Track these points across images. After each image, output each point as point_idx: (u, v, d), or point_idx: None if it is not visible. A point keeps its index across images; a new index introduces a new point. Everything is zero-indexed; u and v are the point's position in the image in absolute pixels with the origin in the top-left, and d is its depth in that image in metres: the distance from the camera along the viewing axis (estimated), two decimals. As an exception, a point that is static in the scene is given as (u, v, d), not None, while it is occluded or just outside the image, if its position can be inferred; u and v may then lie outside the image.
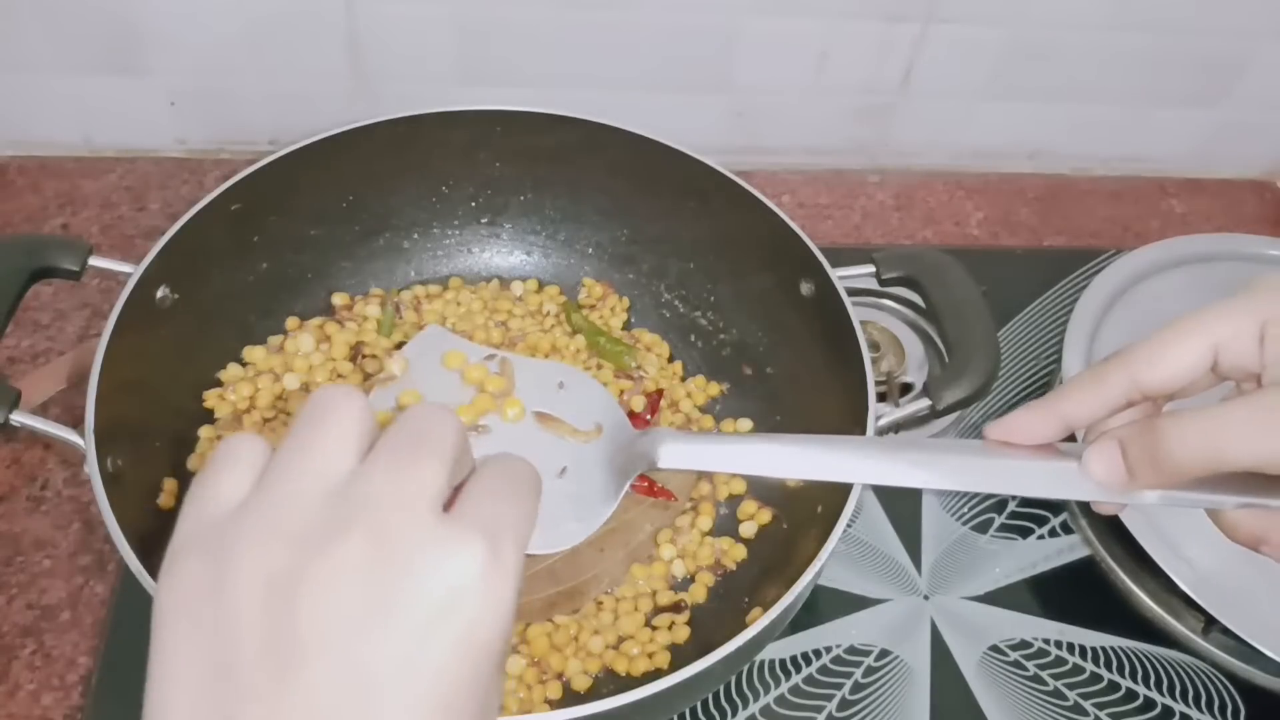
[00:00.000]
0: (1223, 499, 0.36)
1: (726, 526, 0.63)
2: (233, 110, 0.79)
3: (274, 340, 0.66)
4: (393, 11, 0.74)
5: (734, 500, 0.64)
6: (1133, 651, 0.63)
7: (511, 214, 0.71)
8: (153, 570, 0.45)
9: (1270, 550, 0.37)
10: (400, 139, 0.65)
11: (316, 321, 0.67)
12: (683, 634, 0.58)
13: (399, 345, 0.66)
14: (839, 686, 0.61)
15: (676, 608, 0.60)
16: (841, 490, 0.52)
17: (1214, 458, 0.33)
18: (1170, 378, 0.35)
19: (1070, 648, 0.63)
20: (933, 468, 0.38)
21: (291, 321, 0.67)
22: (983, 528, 0.68)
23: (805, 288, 0.62)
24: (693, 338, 0.71)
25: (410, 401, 0.41)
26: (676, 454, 0.40)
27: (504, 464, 0.31)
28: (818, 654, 0.62)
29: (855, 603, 0.64)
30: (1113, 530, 0.64)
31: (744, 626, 0.48)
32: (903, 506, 0.68)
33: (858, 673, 0.61)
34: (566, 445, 0.43)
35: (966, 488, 0.38)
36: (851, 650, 0.62)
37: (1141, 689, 0.62)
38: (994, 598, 0.65)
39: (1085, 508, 0.66)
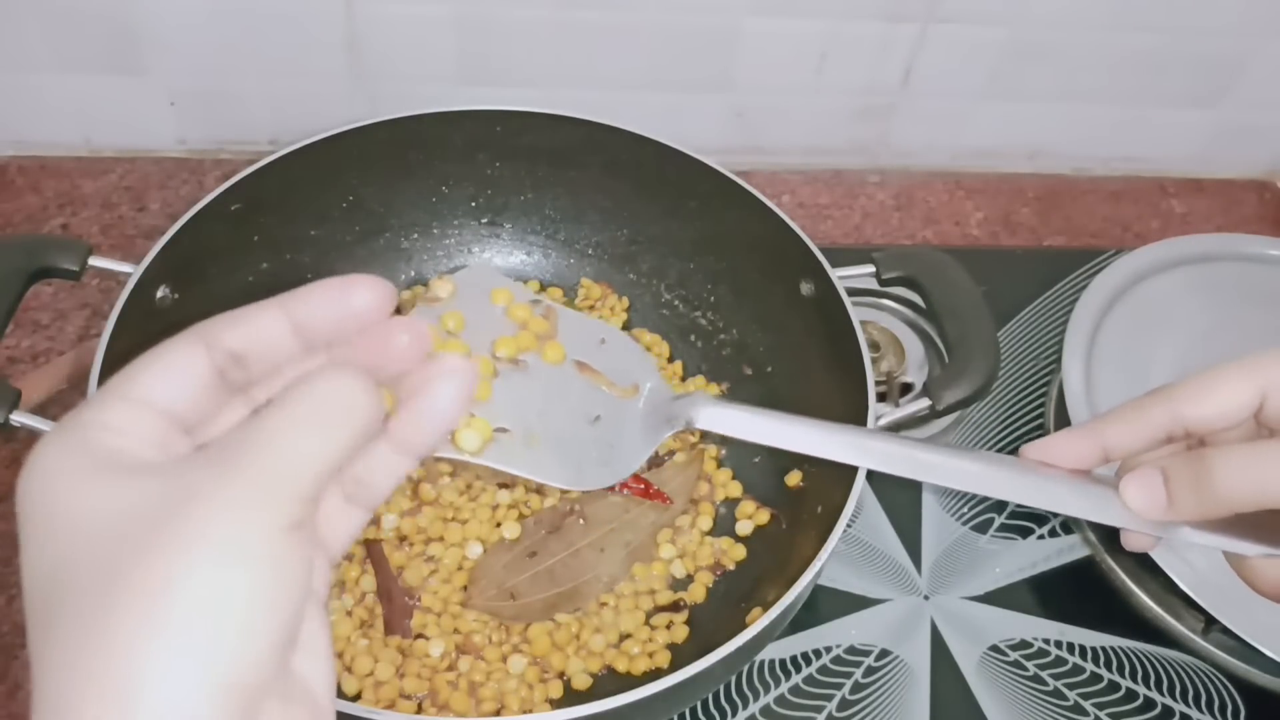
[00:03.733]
0: (1248, 545, 0.36)
1: (726, 526, 0.63)
2: (233, 110, 0.79)
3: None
4: (393, 11, 0.74)
5: (732, 502, 0.64)
6: (1133, 651, 0.63)
7: (511, 214, 0.71)
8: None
9: None
10: (400, 139, 0.65)
11: (316, 321, 0.67)
12: (681, 633, 0.58)
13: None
14: (839, 686, 0.61)
15: (675, 607, 0.60)
16: (841, 490, 0.52)
17: (1261, 491, 0.33)
18: (1215, 415, 0.35)
19: (1070, 648, 0.63)
20: (964, 472, 0.38)
21: (291, 322, 0.67)
22: (983, 528, 0.68)
23: (805, 288, 0.62)
24: (693, 338, 0.71)
25: (454, 324, 0.40)
26: (714, 417, 0.40)
27: None
28: (818, 654, 0.62)
29: (855, 603, 0.64)
30: (1113, 531, 0.63)
31: (744, 626, 0.48)
32: (903, 507, 0.68)
33: (858, 673, 0.61)
34: (602, 395, 0.43)
35: (996, 495, 0.38)
36: (851, 650, 0.62)
37: (1141, 689, 0.62)
38: (994, 598, 0.65)
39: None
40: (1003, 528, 0.68)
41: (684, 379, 0.69)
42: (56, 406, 0.66)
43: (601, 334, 0.44)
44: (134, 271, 0.55)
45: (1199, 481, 0.34)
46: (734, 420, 0.40)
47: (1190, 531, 0.36)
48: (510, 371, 0.40)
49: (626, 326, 0.71)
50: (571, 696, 0.56)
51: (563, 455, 0.40)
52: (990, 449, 0.71)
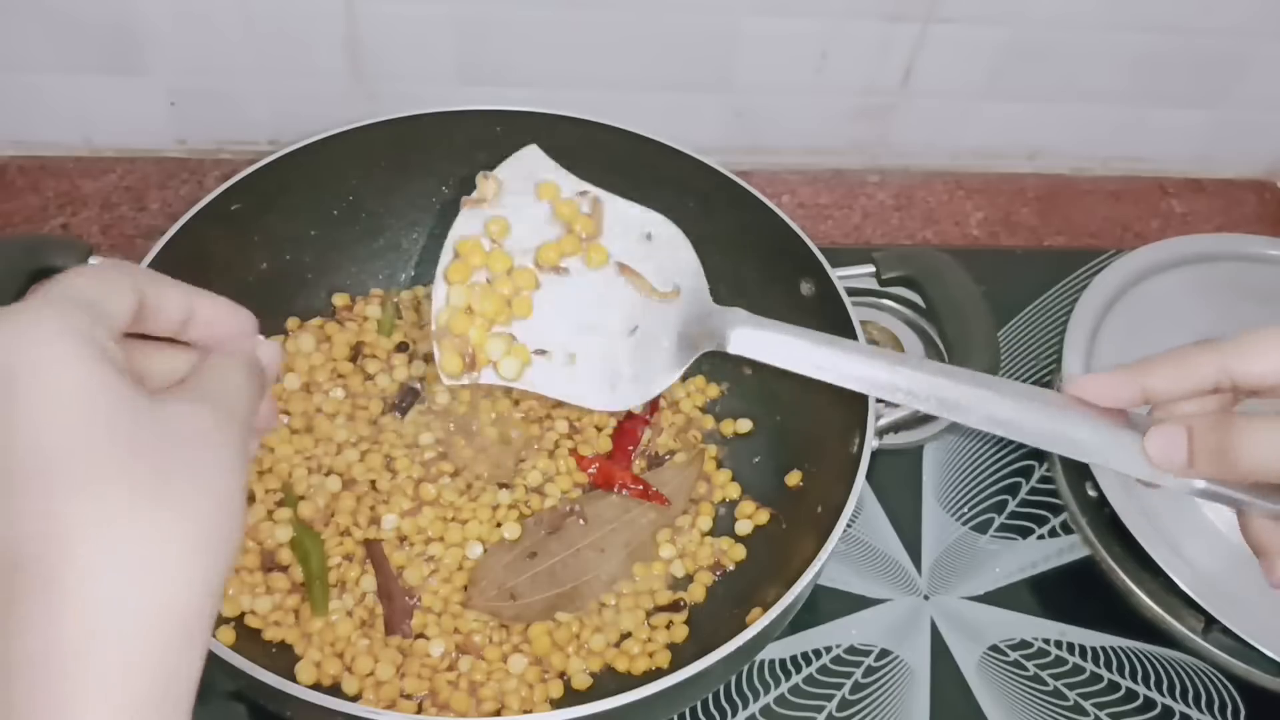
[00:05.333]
0: (1256, 502, 0.36)
1: (726, 526, 0.63)
2: (233, 110, 0.79)
3: (274, 340, 0.65)
4: (393, 11, 0.74)
5: (732, 502, 0.64)
6: (1133, 651, 0.63)
7: (511, 214, 0.71)
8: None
9: (1266, 563, 0.37)
10: (400, 139, 0.65)
11: (316, 321, 0.67)
12: (681, 633, 0.58)
13: (400, 346, 0.66)
14: (839, 686, 0.61)
15: (675, 607, 0.60)
16: (841, 490, 0.52)
17: None
18: (1265, 371, 0.35)
19: (1070, 648, 0.63)
20: (993, 415, 0.38)
21: (291, 321, 0.67)
22: (983, 528, 0.68)
23: (805, 288, 0.62)
24: (693, 338, 0.70)
25: (497, 230, 0.39)
26: (748, 339, 0.41)
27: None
28: (818, 654, 0.62)
29: (855, 603, 0.64)
30: (1113, 530, 0.64)
31: (744, 626, 0.48)
32: (903, 507, 0.68)
33: (858, 673, 0.61)
34: (642, 303, 0.42)
35: (1021, 438, 0.38)
36: (851, 650, 0.62)
37: (1141, 689, 0.62)
38: (994, 598, 0.65)
39: (1085, 509, 0.66)
40: (1003, 528, 0.68)
41: (684, 379, 0.69)
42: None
43: (648, 227, 0.43)
44: (134, 271, 0.55)
45: (1222, 448, 0.35)
46: (766, 343, 0.40)
47: (1206, 485, 0.36)
48: (552, 280, 0.40)
49: (626, 326, 0.71)
50: (572, 696, 0.56)
51: (599, 374, 0.39)
52: (990, 450, 0.71)
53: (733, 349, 0.40)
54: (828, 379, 0.39)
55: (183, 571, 0.27)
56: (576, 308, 0.40)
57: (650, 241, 0.43)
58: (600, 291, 0.41)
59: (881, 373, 0.39)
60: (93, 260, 0.56)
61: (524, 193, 0.41)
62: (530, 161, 0.42)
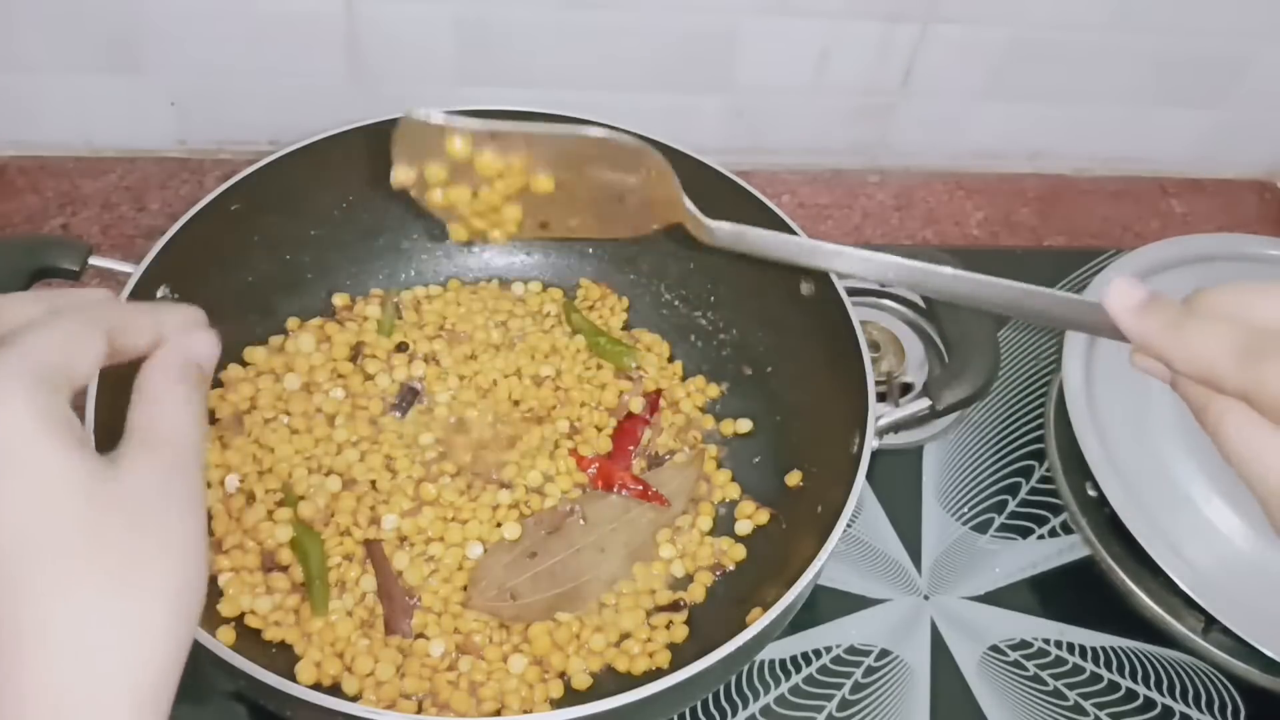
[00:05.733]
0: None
1: (726, 526, 0.63)
2: (233, 110, 0.79)
3: (274, 340, 0.66)
4: (393, 11, 0.74)
5: (732, 503, 0.64)
6: (1133, 651, 0.63)
7: (511, 214, 0.71)
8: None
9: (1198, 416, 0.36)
10: (400, 139, 0.65)
11: (316, 321, 0.67)
12: (681, 633, 0.58)
13: (400, 346, 0.66)
14: (839, 686, 0.61)
15: (675, 607, 0.60)
16: (841, 490, 0.52)
17: (1250, 465, 0.32)
18: None
19: (1070, 648, 0.63)
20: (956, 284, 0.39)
21: (291, 321, 0.67)
22: (983, 528, 0.68)
23: (805, 288, 0.62)
24: (693, 338, 0.71)
25: (439, 175, 0.39)
26: (725, 229, 0.43)
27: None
28: (818, 654, 0.62)
29: (855, 603, 0.64)
30: (1113, 530, 0.64)
31: (744, 626, 0.48)
32: (903, 507, 0.68)
33: (858, 673, 0.61)
34: (618, 178, 0.42)
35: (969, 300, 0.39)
36: (851, 650, 0.62)
37: (1141, 689, 0.62)
38: (994, 598, 0.65)
39: (1085, 509, 0.66)
40: (1003, 528, 0.68)
41: (684, 379, 0.69)
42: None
43: (588, 151, 0.40)
44: (134, 271, 0.55)
45: (1200, 415, 0.34)
46: (741, 232, 0.42)
47: None
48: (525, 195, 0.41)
49: (627, 326, 0.71)
50: (572, 696, 0.56)
51: (606, 220, 0.40)
52: (990, 450, 0.71)
53: (715, 231, 0.41)
54: (790, 258, 0.41)
55: (152, 643, 0.27)
56: (559, 204, 0.40)
57: (600, 157, 0.41)
58: (570, 191, 0.41)
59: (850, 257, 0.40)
60: (92, 260, 0.56)
61: (440, 159, 0.40)
62: (416, 131, 0.39)
